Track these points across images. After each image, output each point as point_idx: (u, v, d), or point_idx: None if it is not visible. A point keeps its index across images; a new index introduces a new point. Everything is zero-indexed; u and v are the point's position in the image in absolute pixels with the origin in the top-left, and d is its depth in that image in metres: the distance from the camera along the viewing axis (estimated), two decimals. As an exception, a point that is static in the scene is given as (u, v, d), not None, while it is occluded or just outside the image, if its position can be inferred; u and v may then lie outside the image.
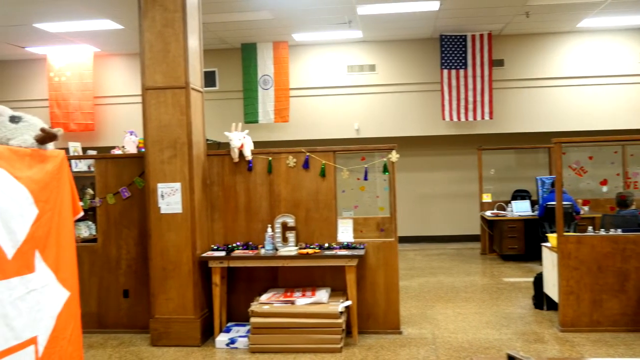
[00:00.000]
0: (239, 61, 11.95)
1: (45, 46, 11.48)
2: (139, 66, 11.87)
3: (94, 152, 9.88)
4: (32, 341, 3.70)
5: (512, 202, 11.00)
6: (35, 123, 3.98)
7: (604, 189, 10.95)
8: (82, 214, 4.42)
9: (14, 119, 3.89)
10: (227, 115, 11.36)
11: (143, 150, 7.22)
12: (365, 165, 6.53)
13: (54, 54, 12.06)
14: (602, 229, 6.87)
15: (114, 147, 8.16)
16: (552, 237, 6.64)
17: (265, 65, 11.86)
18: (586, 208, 10.51)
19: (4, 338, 3.42)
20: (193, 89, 6.22)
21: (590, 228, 7.19)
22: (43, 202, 3.85)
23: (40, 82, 12.48)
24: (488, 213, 10.97)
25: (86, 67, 12.17)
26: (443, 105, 11.58)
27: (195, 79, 6.31)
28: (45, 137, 3.90)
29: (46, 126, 3.97)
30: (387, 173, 6.44)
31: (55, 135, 3.94)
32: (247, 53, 11.88)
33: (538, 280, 7.27)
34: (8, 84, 12.64)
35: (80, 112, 12.18)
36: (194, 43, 6.28)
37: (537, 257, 10.15)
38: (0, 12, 8.98)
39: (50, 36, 10.54)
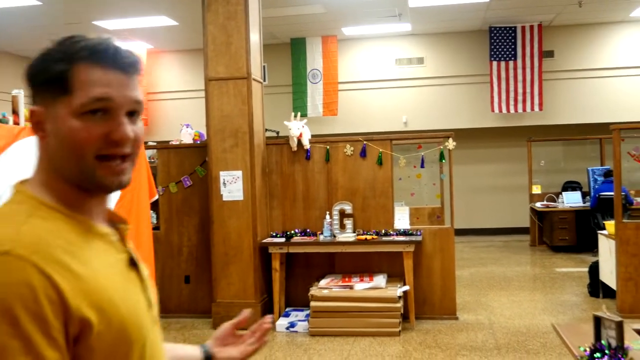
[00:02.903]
0: (288, 56, 12.14)
1: (101, 43, 11.83)
2: (190, 62, 12.39)
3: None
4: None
5: (563, 193, 10.95)
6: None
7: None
8: (157, 196, 4.64)
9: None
10: (276, 109, 11.51)
11: (198, 142, 7.46)
12: (422, 153, 6.64)
13: (109, 51, 12.42)
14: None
15: (168, 142, 8.42)
16: (610, 225, 6.64)
17: (314, 60, 12.02)
18: (639, 199, 10.39)
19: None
20: (254, 79, 6.41)
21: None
22: (125, 183, 4.07)
23: (96, 79, 12.87)
24: (538, 204, 10.94)
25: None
26: (492, 97, 11.57)
27: (256, 69, 6.50)
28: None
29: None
30: (443, 160, 6.53)
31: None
32: (296, 48, 12.06)
33: (593, 269, 7.26)
34: (65, 81, 13.07)
35: (134, 108, 12.52)
36: (254, 35, 6.47)
37: (588, 248, 10.11)
38: (63, 10, 9.32)
39: (107, 33, 10.85)
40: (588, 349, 2.48)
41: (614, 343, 2.44)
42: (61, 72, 1.08)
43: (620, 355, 2.35)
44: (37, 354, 0.96)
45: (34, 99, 1.13)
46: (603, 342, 2.48)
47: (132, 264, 1.19)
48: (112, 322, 1.05)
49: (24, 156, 3.07)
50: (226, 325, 1.52)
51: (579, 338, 2.70)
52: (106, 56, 1.10)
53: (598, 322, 2.55)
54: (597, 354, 2.39)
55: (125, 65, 1.12)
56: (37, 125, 1.13)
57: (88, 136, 1.08)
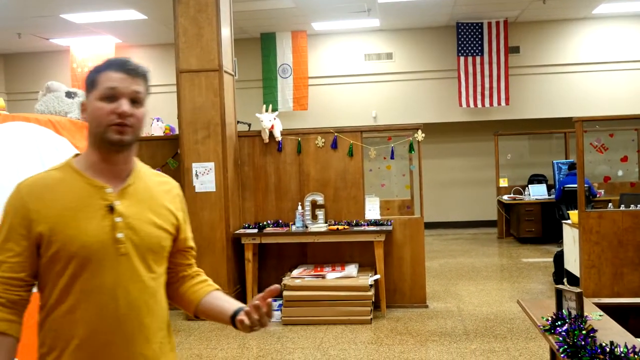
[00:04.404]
0: (258, 50, 12.17)
1: (69, 37, 11.72)
2: (159, 57, 12.34)
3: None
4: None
5: (529, 186, 11.19)
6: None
7: (620, 172, 11.12)
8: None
9: (69, 95, 4.13)
10: (246, 104, 11.55)
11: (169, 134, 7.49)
12: (392, 145, 6.75)
13: (77, 45, 12.30)
14: (622, 206, 7.06)
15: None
16: (573, 214, 6.84)
17: (284, 55, 12.08)
18: (602, 191, 10.67)
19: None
20: (226, 72, 6.46)
21: (610, 205, 7.37)
22: (99, 172, 4.10)
23: (64, 74, 12.72)
24: (505, 197, 11.16)
25: (108, 58, 12.39)
26: (460, 92, 11.76)
27: (227, 62, 6.55)
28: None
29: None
30: (413, 152, 6.65)
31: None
32: (267, 43, 12.11)
33: (558, 257, 7.47)
34: (32, 75, 12.91)
35: (103, 103, 12.41)
36: (225, 28, 6.51)
37: (554, 240, 10.35)
38: (30, 3, 9.22)
39: (75, 27, 10.78)
40: (550, 319, 2.60)
41: (574, 313, 2.57)
42: (94, 78, 1.79)
43: (580, 323, 2.47)
44: (3, 241, 1.75)
45: (85, 96, 1.81)
46: (564, 311, 2.61)
47: (111, 209, 1.77)
48: (59, 237, 1.72)
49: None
50: (258, 296, 1.81)
51: (541, 311, 2.82)
52: (116, 65, 1.78)
53: (559, 294, 2.67)
54: (559, 322, 2.51)
55: (128, 70, 1.78)
56: (83, 111, 1.82)
57: (104, 110, 1.75)
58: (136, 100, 1.78)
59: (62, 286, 1.74)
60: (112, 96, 1.74)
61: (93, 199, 1.76)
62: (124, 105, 1.74)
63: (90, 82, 1.79)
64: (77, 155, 1.86)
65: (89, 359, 1.73)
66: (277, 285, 1.78)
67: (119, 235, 1.75)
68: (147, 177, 1.90)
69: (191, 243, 2.01)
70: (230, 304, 1.90)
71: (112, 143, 1.75)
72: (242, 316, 1.79)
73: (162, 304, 1.86)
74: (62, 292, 1.74)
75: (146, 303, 1.80)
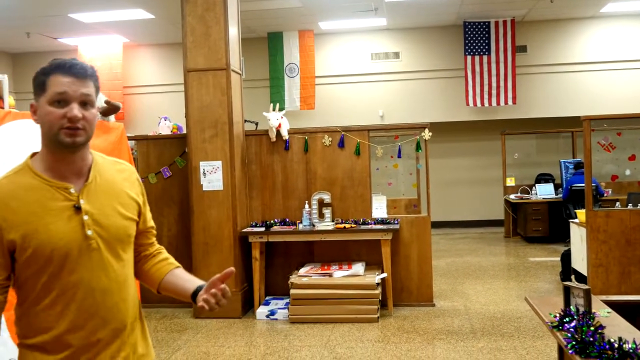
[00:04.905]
0: (265, 50, 12.20)
1: (77, 37, 11.78)
2: (167, 56, 12.39)
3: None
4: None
5: (536, 185, 11.17)
6: (98, 97, 4.25)
7: (627, 171, 11.08)
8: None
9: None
10: (254, 103, 11.57)
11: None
12: (399, 143, 6.76)
13: (85, 45, 12.36)
14: (630, 205, 7.04)
15: (145, 135, 8.45)
16: (581, 213, 6.83)
17: (292, 54, 12.10)
18: (609, 190, 10.64)
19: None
20: (233, 70, 6.47)
21: (617, 204, 7.35)
22: (108, 169, 4.13)
23: (72, 73, 12.78)
24: (512, 196, 11.14)
25: (116, 57, 12.46)
26: (467, 91, 11.75)
27: (235, 61, 6.56)
28: (109, 110, 4.18)
29: (109, 99, 4.25)
30: (420, 151, 6.66)
31: (118, 108, 4.23)
32: (274, 42, 12.13)
33: (566, 256, 7.45)
34: (40, 75, 12.97)
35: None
36: (233, 27, 6.53)
37: (561, 239, 10.33)
38: (39, 3, 9.27)
39: (83, 27, 10.83)
40: (558, 315, 2.60)
41: (582, 310, 2.58)
42: (43, 81, 1.79)
43: (588, 320, 2.48)
44: None
45: (34, 97, 1.82)
46: (572, 308, 2.61)
47: (77, 209, 1.81)
48: (32, 243, 1.75)
49: (9, 138, 3.12)
50: (215, 277, 1.88)
51: (549, 308, 2.83)
52: (64, 68, 1.78)
53: (567, 291, 2.68)
54: (567, 319, 2.52)
55: (76, 73, 1.78)
56: (34, 113, 1.83)
57: (54, 115, 1.76)
58: (86, 103, 1.79)
59: (41, 285, 1.80)
60: (61, 100, 1.76)
61: (59, 201, 1.81)
62: (74, 110, 1.76)
63: (39, 84, 1.80)
64: (34, 154, 1.87)
65: (71, 347, 1.81)
66: (231, 268, 1.87)
67: (89, 232, 1.82)
68: (106, 168, 1.95)
69: (151, 223, 2.11)
70: (191, 282, 2.00)
71: (65, 145, 1.78)
72: (201, 302, 1.87)
73: (132, 288, 1.96)
74: (41, 290, 1.80)
75: (119, 290, 1.89)
